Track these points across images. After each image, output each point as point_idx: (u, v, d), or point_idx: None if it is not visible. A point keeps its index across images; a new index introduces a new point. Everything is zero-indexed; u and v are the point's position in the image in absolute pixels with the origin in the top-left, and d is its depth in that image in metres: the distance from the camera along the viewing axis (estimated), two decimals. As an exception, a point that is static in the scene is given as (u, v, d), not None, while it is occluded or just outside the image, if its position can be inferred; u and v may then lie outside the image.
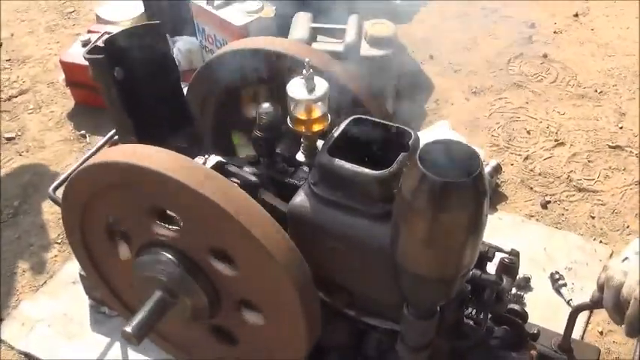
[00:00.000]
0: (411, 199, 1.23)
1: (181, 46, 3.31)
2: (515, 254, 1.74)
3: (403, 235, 1.32)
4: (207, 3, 3.14)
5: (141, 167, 1.45)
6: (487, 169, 2.67)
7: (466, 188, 1.18)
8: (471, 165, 1.21)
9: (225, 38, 3.10)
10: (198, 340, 1.79)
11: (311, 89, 1.51)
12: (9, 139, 3.13)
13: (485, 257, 1.66)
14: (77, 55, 3.07)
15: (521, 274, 2.04)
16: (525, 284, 2.32)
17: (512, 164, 2.89)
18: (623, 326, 1.40)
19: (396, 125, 1.55)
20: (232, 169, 1.73)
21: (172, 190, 1.43)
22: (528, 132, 3.06)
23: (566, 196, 2.74)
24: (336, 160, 1.47)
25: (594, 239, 2.54)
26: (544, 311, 2.19)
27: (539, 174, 2.84)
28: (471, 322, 1.67)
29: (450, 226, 1.23)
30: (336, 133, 1.53)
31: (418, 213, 1.23)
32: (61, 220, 1.78)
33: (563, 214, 2.65)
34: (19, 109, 3.31)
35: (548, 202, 2.70)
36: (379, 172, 1.43)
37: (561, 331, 1.84)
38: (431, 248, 1.28)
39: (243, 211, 1.42)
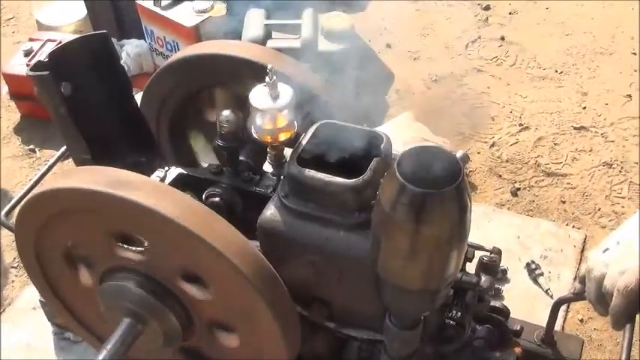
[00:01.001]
0: (390, 211, 1.16)
1: (130, 50, 3.19)
2: (496, 252, 1.69)
3: (383, 247, 1.25)
4: (155, 3, 3.02)
5: (97, 192, 1.35)
6: (454, 160, 2.63)
7: (448, 198, 1.12)
8: (451, 172, 1.14)
9: (176, 40, 2.99)
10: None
11: (275, 97, 1.43)
12: (-47, 159, 2.98)
13: (465, 258, 1.61)
14: (20, 65, 2.94)
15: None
16: (502, 276, 2.29)
17: (478, 152, 2.86)
18: (608, 318, 1.37)
19: (366, 128, 1.48)
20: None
21: (132, 214, 1.34)
22: (492, 118, 3.03)
23: (536, 182, 2.71)
24: (306, 170, 1.39)
25: (567, 224, 2.53)
26: (523, 303, 2.17)
27: (507, 160, 2.81)
28: (453, 323, 1.63)
29: (433, 238, 1.16)
30: (304, 141, 1.45)
31: (398, 225, 1.16)
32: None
33: (533, 201, 2.63)
34: (-39, 126, 3.15)
35: (518, 189, 2.68)
36: (352, 180, 1.37)
37: (542, 321, 1.81)
38: (414, 261, 1.21)
39: (208, 228, 1.34)
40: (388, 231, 1.20)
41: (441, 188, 1.12)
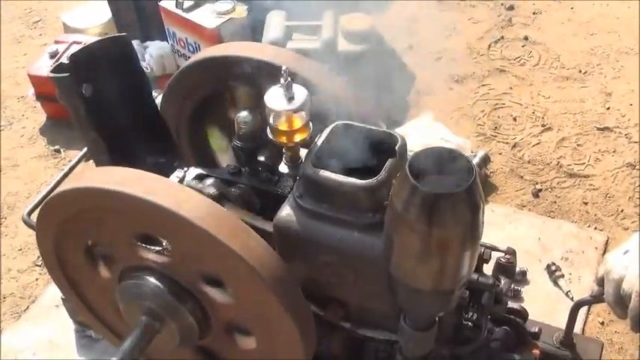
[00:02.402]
0: (403, 212, 1.16)
1: (153, 52, 3.22)
2: (511, 253, 1.68)
3: (396, 248, 1.25)
4: (177, 6, 3.05)
5: (117, 192, 1.37)
6: (475, 160, 2.62)
7: (460, 199, 1.11)
8: (464, 173, 1.14)
9: (198, 42, 3.01)
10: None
11: (290, 98, 1.43)
12: (-20, 159, 3.03)
13: (481, 259, 1.60)
14: (46, 67, 2.98)
15: (517, 267, 1.99)
16: (522, 278, 2.27)
17: (500, 153, 2.83)
18: (627, 320, 1.35)
19: (382, 130, 1.48)
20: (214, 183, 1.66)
21: (152, 215, 1.35)
22: (514, 118, 3.00)
23: (558, 183, 2.68)
24: (321, 171, 1.39)
25: (589, 226, 2.50)
26: (543, 305, 2.15)
27: (529, 161, 2.79)
28: (470, 325, 1.62)
29: (446, 239, 1.16)
30: (319, 141, 1.46)
31: (410, 226, 1.17)
32: (40, 242, 1.69)
33: (555, 202, 2.60)
34: (-12, 127, 3.22)
35: (540, 190, 2.65)
36: (366, 181, 1.36)
37: (562, 323, 1.79)
38: (426, 262, 1.21)
39: (226, 231, 1.34)
40: (400, 232, 1.20)
41: (453, 189, 1.12)
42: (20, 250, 2.59)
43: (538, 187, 2.67)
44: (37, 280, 2.48)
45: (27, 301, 2.40)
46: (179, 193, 1.40)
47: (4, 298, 2.43)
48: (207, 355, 1.66)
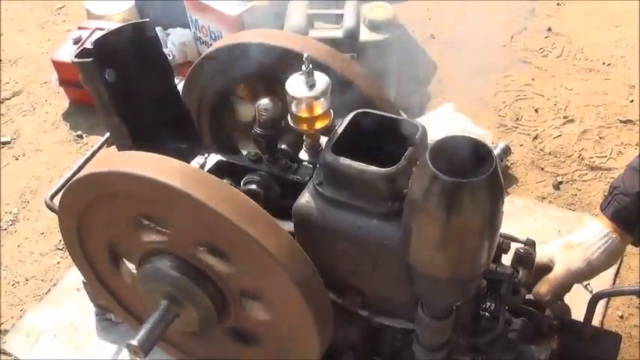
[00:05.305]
0: (422, 201, 1.17)
1: (175, 39, 3.23)
2: (530, 244, 1.68)
3: (415, 236, 1.25)
4: (200, -7, 3.06)
5: (136, 176, 1.39)
6: (496, 152, 2.59)
7: (480, 188, 1.11)
8: (484, 161, 1.14)
9: (220, 29, 3.01)
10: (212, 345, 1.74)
11: (311, 85, 1.44)
12: (4, 143, 3.06)
13: (500, 249, 1.60)
14: (69, 53, 3.00)
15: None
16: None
17: (521, 145, 2.81)
18: None
19: (402, 118, 1.48)
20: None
21: (179, 202, 1.37)
22: (536, 110, 2.97)
23: (579, 176, 2.66)
24: (341, 158, 1.40)
25: (609, 219, 2.47)
26: (562, 297, 2.12)
27: (550, 153, 2.76)
28: (488, 315, 1.62)
29: (465, 228, 1.16)
30: (340, 129, 1.46)
31: (430, 215, 1.17)
32: (62, 225, 1.72)
33: (576, 195, 2.58)
34: (13, 112, 3.24)
35: (561, 182, 2.63)
36: (386, 169, 1.37)
37: (581, 317, 1.78)
38: (444, 251, 1.21)
39: (241, 214, 1.35)
40: (419, 220, 1.21)
41: (472, 178, 1.12)
42: (42, 233, 2.62)
43: (559, 179, 2.64)
44: (58, 263, 2.51)
45: (49, 284, 2.43)
46: (192, 175, 1.40)
47: (27, 280, 2.46)
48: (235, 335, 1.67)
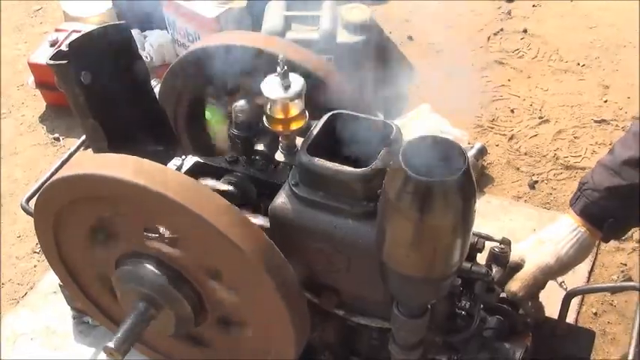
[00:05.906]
0: (395, 200, 1.18)
1: (153, 41, 3.22)
2: (506, 243, 1.69)
3: (389, 236, 1.27)
4: (177, -5, 3.05)
5: (110, 178, 1.39)
6: (472, 152, 2.63)
7: (452, 187, 1.13)
8: (456, 161, 1.15)
9: (197, 31, 3.01)
10: (178, 346, 1.74)
11: (286, 87, 1.45)
12: (-20, 146, 3.05)
13: (474, 249, 1.62)
14: (45, 55, 2.97)
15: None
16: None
17: (497, 145, 2.84)
18: None
19: (377, 119, 1.49)
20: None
21: (153, 203, 1.37)
22: (512, 110, 3.01)
23: (554, 175, 2.70)
24: (316, 159, 1.41)
25: (584, 218, 2.50)
26: (537, 295, 2.15)
27: (525, 153, 2.80)
28: (463, 314, 1.64)
29: (437, 227, 1.18)
30: (315, 130, 1.47)
31: (403, 214, 1.18)
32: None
33: (551, 194, 2.62)
34: (-12, 114, 3.22)
35: (536, 182, 2.67)
36: (361, 169, 1.38)
37: (555, 314, 1.80)
38: (418, 249, 1.23)
39: (220, 217, 1.36)
40: (393, 219, 1.22)
41: (445, 177, 1.13)
42: (19, 236, 2.61)
43: (534, 178, 2.68)
44: (35, 266, 2.49)
45: (25, 288, 2.42)
46: (176, 178, 1.41)
47: (3, 284, 2.44)
48: (198, 343, 1.68)
